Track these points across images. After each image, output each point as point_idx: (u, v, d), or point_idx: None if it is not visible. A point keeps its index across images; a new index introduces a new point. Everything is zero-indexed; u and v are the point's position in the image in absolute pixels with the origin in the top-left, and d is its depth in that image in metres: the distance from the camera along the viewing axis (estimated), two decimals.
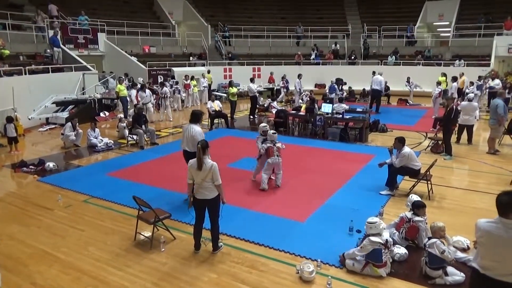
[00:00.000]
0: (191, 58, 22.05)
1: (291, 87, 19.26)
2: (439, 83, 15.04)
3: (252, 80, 16.06)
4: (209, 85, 19.72)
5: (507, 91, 14.02)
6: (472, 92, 12.94)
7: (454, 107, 9.39)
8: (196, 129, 6.25)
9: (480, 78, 17.06)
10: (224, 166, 8.06)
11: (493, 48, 20.13)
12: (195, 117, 6.40)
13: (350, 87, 20.07)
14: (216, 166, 4.84)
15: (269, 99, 17.18)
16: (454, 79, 15.29)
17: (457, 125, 10.25)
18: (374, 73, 16.27)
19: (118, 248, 5.30)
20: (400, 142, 6.97)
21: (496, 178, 8.07)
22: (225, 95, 18.43)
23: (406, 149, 6.96)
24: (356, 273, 4.63)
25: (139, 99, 13.83)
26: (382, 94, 16.46)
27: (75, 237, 5.63)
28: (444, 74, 17.65)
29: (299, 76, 17.82)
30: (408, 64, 21.84)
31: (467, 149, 10.29)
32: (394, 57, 22.59)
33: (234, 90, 14.99)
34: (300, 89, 17.68)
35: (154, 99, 15.12)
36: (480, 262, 3.12)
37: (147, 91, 13.10)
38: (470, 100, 10.58)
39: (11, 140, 10.33)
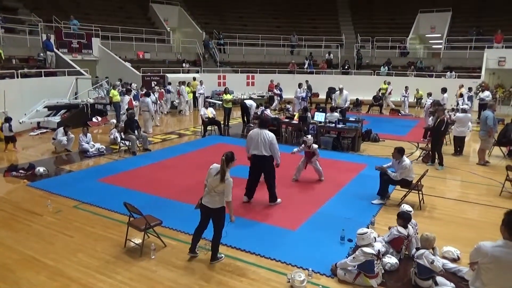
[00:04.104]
0: (184, 64, 22.07)
1: (285, 96, 19.34)
2: (430, 94, 15.22)
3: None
4: (193, 92, 19.18)
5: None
6: (466, 104, 13.08)
7: (445, 119, 9.48)
8: (270, 133, 6.73)
9: (470, 89, 17.30)
10: None
11: (483, 60, 20.48)
12: (265, 123, 7.05)
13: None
14: (231, 183, 4.81)
15: (262, 107, 17.18)
16: (444, 90, 15.42)
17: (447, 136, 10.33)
18: (341, 90, 14.65)
19: (108, 255, 5.24)
20: (399, 152, 6.92)
21: (486, 189, 8.16)
22: (219, 102, 18.43)
23: (407, 161, 6.94)
24: (347, 283, 4.62)
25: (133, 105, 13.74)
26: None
27: (64, 243, 5.55)
28: (388, 83, 18.17)
29: (300, 85, 17.93)
30: (400, 75, 22.11)
31: (457, 160, 10.40)
32: (387, 67, 22.87)
33: (229, 97, 14.99)
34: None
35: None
36: None
37: (137, 102, 12.81)
38: (465, 111, 10.66)
39: (7, 139, 10.75)
